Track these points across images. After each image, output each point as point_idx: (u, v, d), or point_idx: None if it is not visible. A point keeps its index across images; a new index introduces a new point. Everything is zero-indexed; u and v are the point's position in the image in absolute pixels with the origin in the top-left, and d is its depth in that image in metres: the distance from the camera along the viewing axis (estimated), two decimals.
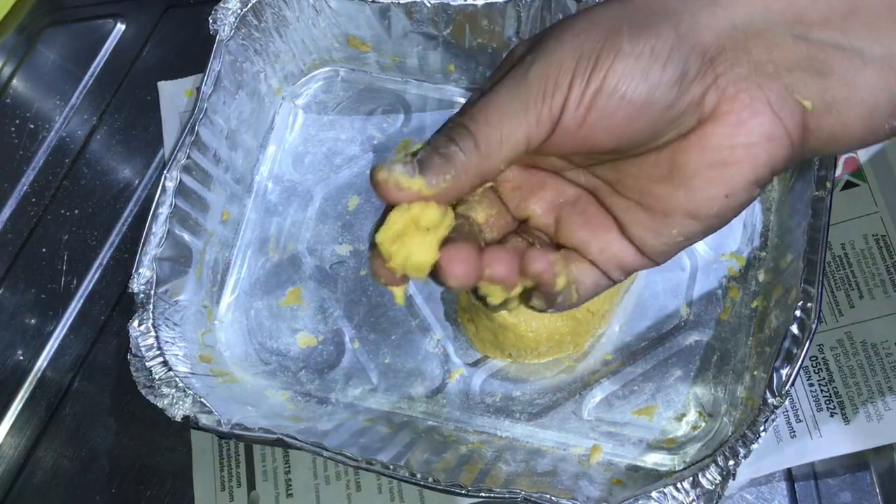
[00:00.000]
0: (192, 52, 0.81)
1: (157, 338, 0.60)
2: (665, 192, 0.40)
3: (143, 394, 0.58)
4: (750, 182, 0.39)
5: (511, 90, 0.38)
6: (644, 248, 0.43)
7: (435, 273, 0.40)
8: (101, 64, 0.82)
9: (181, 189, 0.63)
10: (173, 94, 0.77)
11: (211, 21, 0.66)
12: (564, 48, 0.38)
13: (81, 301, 0.74)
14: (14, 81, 0.83)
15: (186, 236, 0.64)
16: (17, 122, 0.81)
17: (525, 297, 0.43)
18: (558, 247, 0.45)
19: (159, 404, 0.58)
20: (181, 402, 0.58)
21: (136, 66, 0.82)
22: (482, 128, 0.38)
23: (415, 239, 0.39)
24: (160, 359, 0.59)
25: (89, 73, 0.82)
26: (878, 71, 0.37)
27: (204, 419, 0.57)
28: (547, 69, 0.38)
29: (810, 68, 0.38)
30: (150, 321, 0.60)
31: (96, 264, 0.75)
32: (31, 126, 0.80)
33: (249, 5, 0.67)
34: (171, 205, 0.62)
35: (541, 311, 0.44)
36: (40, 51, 0.84)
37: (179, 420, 0.57)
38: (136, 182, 0.77)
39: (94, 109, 0.81)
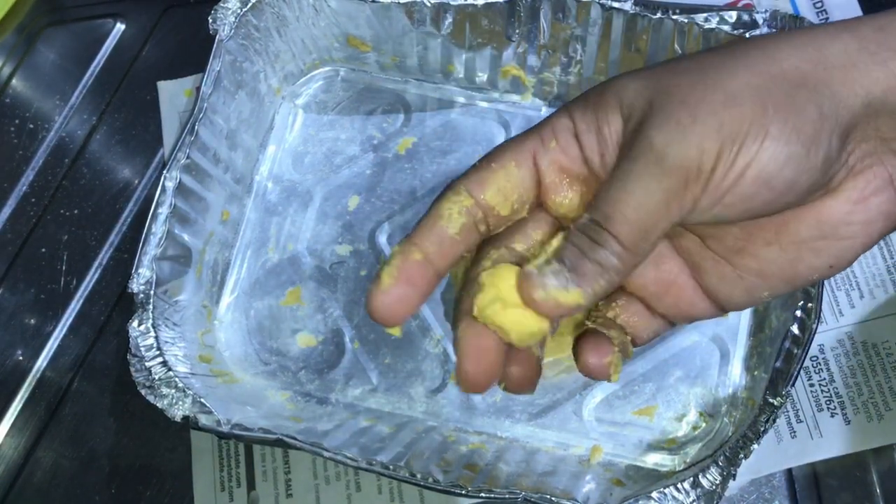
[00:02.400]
0: (191, 51, 0.81)
1: (156, 338, 0.60)
2: (767, 256, 0.39)
3: (143, 394, 0.58)
4: (858, 254, 0.39)
5: (649, 184, 0.35)
6: (725, 303, 0.42)
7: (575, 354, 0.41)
8: (101, 64, 0.82)
9: (181, 189, 0.63)
10: (173, 94, 0.77)
11: (210, 21, 0.66)
12: (704, 129, 0.35)
13: (81, 301, 0.74)
14: (13, 81, 0.83)
15: (186, 236, 0.64)
16: (17, 121, 0.81)
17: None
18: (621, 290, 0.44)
19: (159, 404, 0.58)
20: (181, 403, 0.57)
21: (135, 65, 0.82)
22: (624, 228, 0.36)
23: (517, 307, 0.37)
24: (160, 359, 0.59)
25: (89, 73, 0.82)
26: None
27: (204, 419, 0.57)
28: (687, 154, 0.35)
29: None
30: (150, 321, 0.60)
31: (96, 264, 0.75)
32: (31, 126, 0.80)
33: (249, 5, 0.67)
34: (170, 205, 0.62)
35: None
36: (40, 50, 0.84)
37: (179, 420, 0.57)
38: (136, 182, 0.77)
39: (94, 109, 0.81)
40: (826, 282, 0.64)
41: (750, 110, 0.35)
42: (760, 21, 0.61)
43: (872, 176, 0.37)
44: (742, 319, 0.64)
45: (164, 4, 0.84)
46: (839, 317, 0.64)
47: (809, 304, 0.55)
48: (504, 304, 0.38)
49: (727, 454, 0.53)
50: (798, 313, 0.55)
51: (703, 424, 0.62)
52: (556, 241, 0.38)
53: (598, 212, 0.37)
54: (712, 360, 0.63)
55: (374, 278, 0.39)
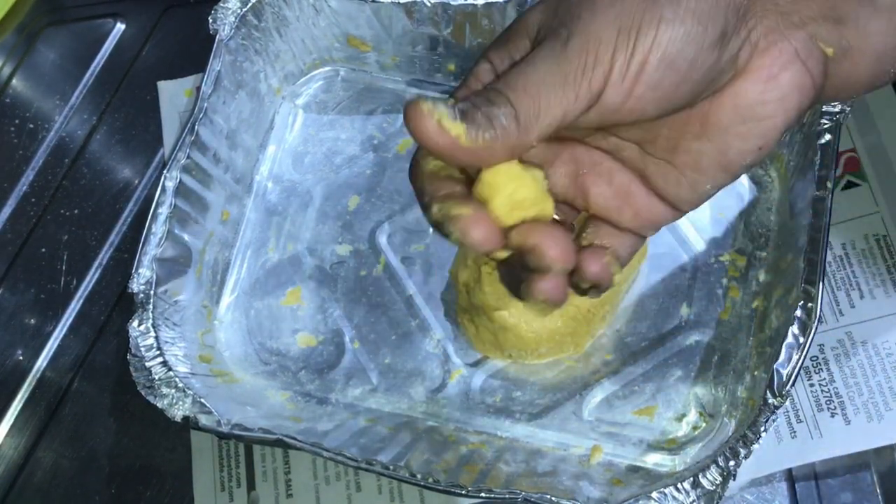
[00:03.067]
0: (191, 51, 0.81)
1: (156, 338, 0.60)
2: (698, 148, 0.41)
3: (143, 394, 0.58)
4: (781, 131, 0.40)
5: (549, 64, 0.37)
6: (677, 202, 0.43)
7: (528, 251, 0.39)
8: (101, 64, 0.82)
9: (181, 189, 0.63)
10: (173, 94, 0.77)
11: (211, 21, 0.66)
12: (600, 20, 0.37)
13: (81, 301, 0.74)
14: (14, 81, 0.83)
15: (186, 236, 0.64)
16: (17, 121, 0.81)
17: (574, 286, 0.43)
18: (589, 217, 0.45)
19: (159, 404, 0.58)
20: (181, 403, 0.57)
21: (135, 65, 0.82)
22: (521, 97, 0.37)
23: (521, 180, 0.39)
24: (160, 359, 0.59)
25: (89, 73, 0.82)
26: (887, 19, 0.39)
27: (204, 419, 0.57)
28: (585, 43, 0.37)
29: (830, 17, 0.39)
30: (150, 321, 0.60)
31: (96, 264, 0.75)
32: (31, 126, 0.80)
33: (249, 5, 0.67)
34: (170, 205, 0.62)
35: (591, 297, 0.45)
36: (40, 50, 0.84)
37: (179, 420, 0.57)
38: (136, 182, 0.77)
39: (94, 109, 0.81)
40: (826, 281, 0.64)
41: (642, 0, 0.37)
42: None
43: (778, 52, 0.38)
44: (742, 319, 0.64)
45: (164, 4, 0.84)
46: (839, 317, 0.64)
47: (809, 304, 0.55)
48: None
49: (727, 454, 0.53)
50: (798, 313, 0.55)
51: (703, 424, 0.62)
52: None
53: (501, 80, 0.38)
54: (712, 360, 0.63)
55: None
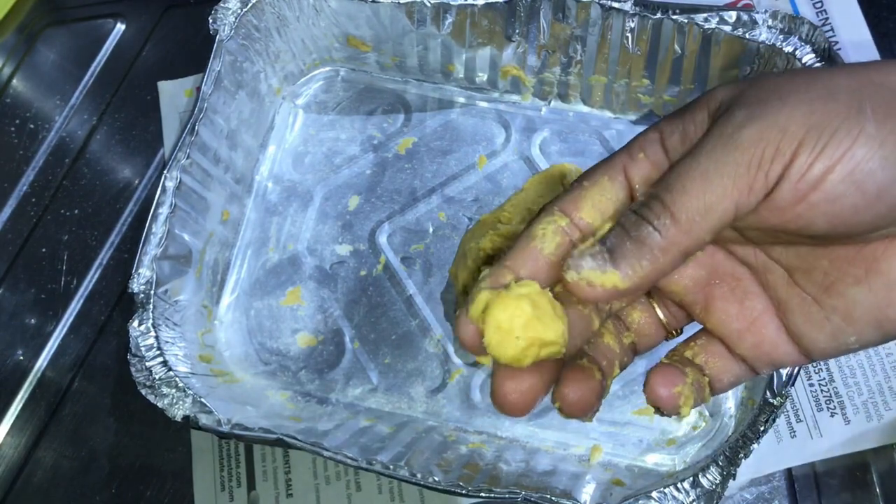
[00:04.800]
0: (191, 51, 0.81)
1: (157, 338, 0.60)
2: (856, 295, 0.36)
3: (143, 394, 0.58)
4: None
5: (717, 152, 0.33)
6: (810, 347, 0.38)
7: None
8: (101, 64, 0.82)
9: (181, 189, 0.63)
10: (173, 94, 0.77)
11: (211, 21, 0.66)
12: (792, 112, 0.33)
13: (81, 301, 0.74)
14: (14, 81, 0.83)
15: (186, 236, 0.64)
16: (17, 121, 0.81)
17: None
18: (700, 329, 0.41)
19: (159, 404, 0.58)
20: (181, 402, 0.57)
21: (135, 65, 0.82)
22: (679, 198, 0.33)
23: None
24: (160, 359, 0.59)
25: (89, 73, 0.82)
26: None
27: (204, 419, 0.57)
28: (767, 131, 0.32)
29: None
30: (150, 321, 0.60)
31: (96, 264, 0.75)
32: (31, 126, 0.80)
33: (249, 5, 0.67)
34: (171, 205, 0.62)
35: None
36: (40, 50, 0.84)
37: (179, 420, 0.57)
38: (136, 182, 0.77)
39: (94, 109, 0.81)
40: None
41: (845, 106, 0.32)
42: (760, 21, 0.61)
43: None
44: None
45: (165, 4, 0.84)
46: None
47: None
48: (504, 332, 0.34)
49: (727, 454, 0.53)
50: None
51: (703, 424, 0.62)
52: (606, 227, 0.36)
53: (660, 183, 0.34)
54: None
55: (459, 307, 0.36)
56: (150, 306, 0.60)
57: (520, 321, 0.33)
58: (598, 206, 0.36)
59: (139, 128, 0.79)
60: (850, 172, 0.32)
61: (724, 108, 0.35)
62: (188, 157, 0.63)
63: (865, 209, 0.32)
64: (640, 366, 0.64)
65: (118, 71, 0.82)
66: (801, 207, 0.33)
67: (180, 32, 0.83)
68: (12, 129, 0.80)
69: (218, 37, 0.66)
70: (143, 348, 0.59)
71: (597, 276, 0.33)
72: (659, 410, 0.39)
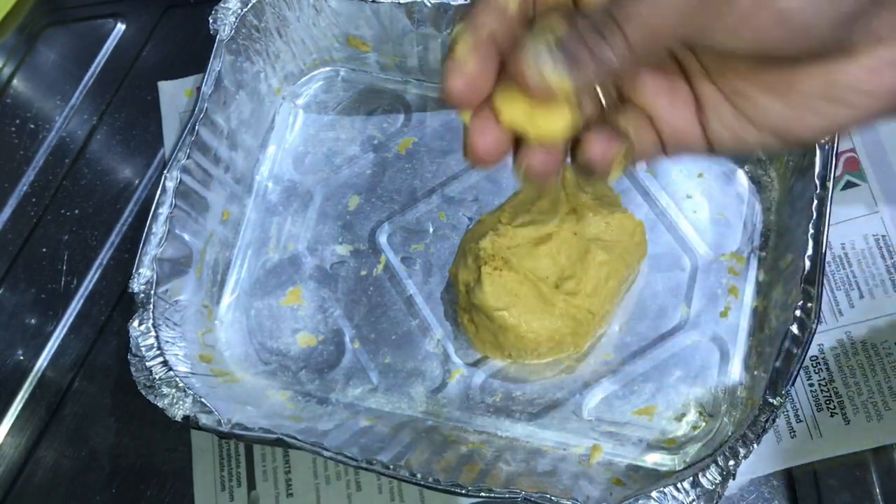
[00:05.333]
0: (191, 51, 0.81)
1: (157, 338, 0.60)
2: (767, 104, 0.39)
3: (144, 394, 0.58)
4: (856, 126, 0.38)
5: None
6: (714, 140, 0.42)
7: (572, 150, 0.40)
8: (102, 64, 0.82)
9: (181, 189, 0.63)
10: (173, 94, 0.77)
11: (211, 21, 0.66)
12: None
13: (81, 301, 0.74)
14: (14, 81, 0.83)
15: (187, 236, 0.64)
16: (18, 121, 0.81)
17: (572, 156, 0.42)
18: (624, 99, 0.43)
19: (159, 404, 0.58)
20: (181, 402, 0.58)
21: (136, 65, 0.82)
22: (636, 27, 0.35)
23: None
24: (160, 359, 0.59)
25: (89, 73, 0.82)
26: None
27: (204, 419, 0.57)
28: None
29: None
30: (151, 321, 0.60)
31: (96, 264, 0.75)
32: (32, 126, 0.81)
33: (250, 5, 0.67)
34: (171, 205, 0.62)
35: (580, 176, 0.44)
36: (40, 51, 0.84)
37: (179, 420, 0.57)
38: (137, 182, 0.77)
39: (94, 109, 0.81)
40: (826, 282, 0.64)
41: None
42: None
43: (891, 51, 0.36)
44: (742, 319, 0.64)
45: (165, 4, 0.84)
46: (839, 316, 0.64)
47: (809, 304, 0.56)
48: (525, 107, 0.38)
49: (727, 454, 0.53)
50: (798, 313, 0.56)
51: (703, 424, 0.62)
52: (561, 25, 0.36)
53: (619, 5, 0.35)
54: (712, 359, 0.63)
55: (446, 59, 0.39)
56: (151, 306, 0.60)
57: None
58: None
59: (139, 128, 0.79)
60: (780, 8, 0.33)
61: None
62: (188, 157, 0.63)
63: (787, 44, 0.35)
64: (639, 366, 0.64)
65: (118, 71, 0.82)
66: (730, 38, 0.35)
67: (180, 32, 0.83)
68: (13, 129, 0.81)
69: (218, 37, 0.66)
70: (143, 348, 0.59)
71: (551, 75, 0.35)
72: (587, 171, 0.42)
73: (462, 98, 0.39)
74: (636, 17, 0.35)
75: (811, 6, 0.33)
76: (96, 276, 0.75)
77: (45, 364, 0.72)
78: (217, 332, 0.68)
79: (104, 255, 0.75)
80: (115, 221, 0.76)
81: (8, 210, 0.77)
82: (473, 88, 0.38)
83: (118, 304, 0.74)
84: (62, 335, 0.73)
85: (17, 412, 0.71)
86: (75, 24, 0.85)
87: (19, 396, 0.71)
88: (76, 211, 0.77)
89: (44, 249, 0.76)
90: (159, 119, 0.78)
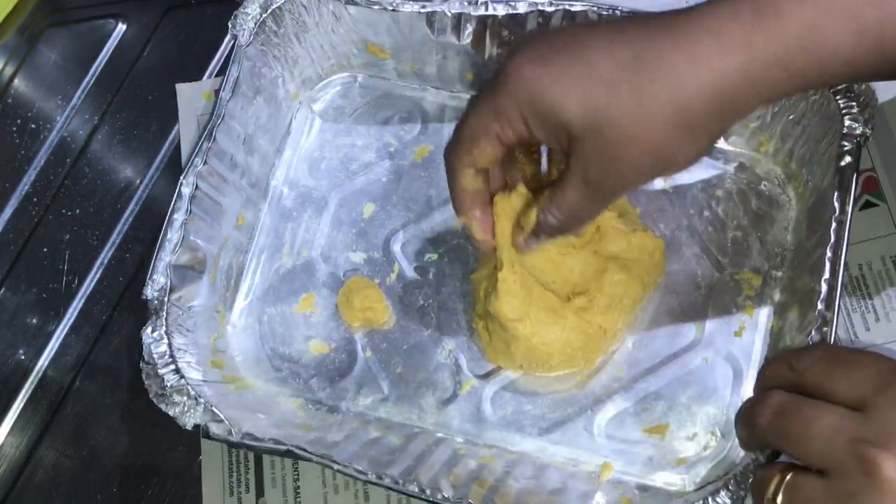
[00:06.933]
0: (193, 52, 0.81)
1: (169, 345, 0.60)
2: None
3: (155, 402, 0.58)
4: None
5: (580, 188, 0.51)
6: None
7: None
8: (103, 64, 0.82)
9: (197, 195, 0.63)
10: (191, 97, 0.77)
11: (230, 26, 0.66)
12: (630, 153, 0.49)
13: (83, 301, 0.74)
14: (15, 81, 0.83)
15: (201, 242, 0.64)
16: (19, 122, 0.80)
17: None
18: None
19: (171, 412, 0.58)
20: (192, 411, 0.58)
21: (137, 66, 0.82)
22: (564, 215, 0.54)
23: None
24: (172, 366, 0.59)
25: (90, 74, 0.82)
26: None
27: (214, 428, 0.57)
28: (611, 171, 0.50)
29: None
30: (164, 328, 0.60)
31: (97, 264, 0.75)
32: (33, 126, 0.80)
33: (269, 11, 0.66)
34: (186, 210, 0.62)
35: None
36: (42, 51, 0.83)
37: (190, 429, 0.57)
38: (138, 182, 0.77)
39: (96, 109, 0.80)
40: (841, 304, 0.63)
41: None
42: None
43: None
44: (757, 339, 0.64)
45: (166, 5, 0.83)
46: (854, 339, 0.64)
47: (825, 328, 0.55)
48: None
49: (737, 477, 0.53)
50: (813, 335, 0.55)
51: (714, 444, 0.62)
52: (532, 218, 0.56)
53: (552, 206, 0.53)
54: (725, 379, 0.63)
55: (475, 239, 0.59)
56: (164, 313, 0.60)
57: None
58: (490, 160, 0.54)
59: (140, 128, 0.79)
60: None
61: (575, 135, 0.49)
62: (205, 163, 0.63)
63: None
64: (651, 384, 0.64)
65: (119, 71, 0.82)
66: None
67: (182, 33, 0.82)
68: (14, 129, 0.80)
69: (237, 42, 0.66)
70: (155, 355, 0.59)
71: (539, 247, 0.58)
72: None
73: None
74: (563, 207, 0.53)
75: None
76: (97, 275, 0.75)
77: (47, 364, 0.72)
78: (229, 338, 0.67)
79: (105, 255, 0.75)
80: (116, 221, 0.76)
81: (9, 210, 0.77)
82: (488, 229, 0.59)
83: (119, 303, 0.73)
84: (63, 335, 0.73)
85: (18, 412, 0.71)
86: (76, 25, 0.85)
87: (20, 396, 0.71)
88: (77, 211, 0.77)
89: (45, 249, 0.76)
90: (160, 119, 0.79)
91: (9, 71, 0.83)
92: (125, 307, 0.73)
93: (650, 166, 0.49)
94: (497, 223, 0.58)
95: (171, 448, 0.68)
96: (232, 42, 0.66)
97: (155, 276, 0.61)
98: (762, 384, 0.47)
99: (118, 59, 0.82)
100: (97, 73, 0.82)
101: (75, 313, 0.73)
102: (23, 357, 0.72)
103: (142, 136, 0.79)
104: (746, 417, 0.46)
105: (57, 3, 0.86)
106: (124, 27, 0.83)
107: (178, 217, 0.62)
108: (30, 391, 0.71)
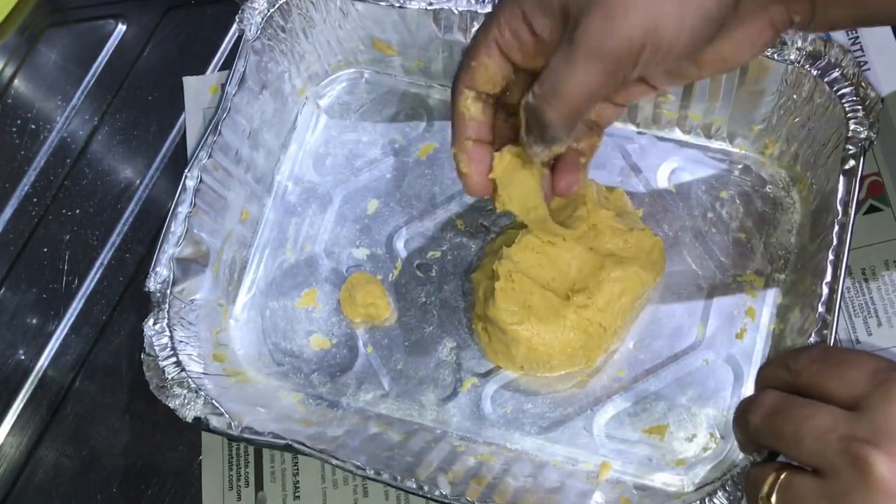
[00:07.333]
0: (193, 52, 0.81)
1: (171, 337, 0.60)
2: (688, 73, 0.51)
3: (156, 394, 0.58)
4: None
5: (581, 62, 0.44)
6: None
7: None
8: (103, 64, 0.82)
9: (201, 188, 0.63)
10: (198, 90, 0.77)
11: (238, 21, 0.66)
12: (630, 23, 0.43)
13: (83, 301, 0.74)
14: (15, 82, 0.83)
15: (205, 235, 0.64)
16: (19, 122, 0.81)
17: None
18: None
19: (171, 405, 0.58)
20: (193, 404, 0.58)
21: (137, 66, 0.82)
22: (564, 107, 0.46)
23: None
24: (173, 359, 0.59)
25: (90, 74, 0.82)
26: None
27: (214, 421, 0.57)
28: (618, 44, 0.44)
29: None
30: (166, 321, 0.60)
31: (97, 264, 0.75)
32: (33, 126, 0.80)
33: (277, 6, 0.67)
34: (191, 203, 0.62)
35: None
36: (42, 51, 0.84)
37: (191, 421, 0.57)
38: (138, 182, 0.77)
39: (96, 110, 0.81)
40: (843, 308, 0.64)
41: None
42: (789, 42, 0.61)
43: (759, 24, 0.47)
44: (758, 341, 0.64)
45: (166, 5, 0.84)
46: (855, 344, 0.64)
47: (825, 331, 0.55)
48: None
49: (735, 479, 0.53)
50: (814, 339, 0.55)
51: (714, 445, 0.62)
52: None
53: (543, 90, 0.46)
54: (725, 381, 0.63)
55: (458, 172, 0.53)
56: (167, 305, 0.60)
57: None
58: (490, 79, 0.50)
59: (140, 128, 0.79)
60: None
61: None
62: (210, 157, 0.63)
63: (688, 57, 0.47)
64: (651, 385, 0.64)
65: (119, 71, 0.82)
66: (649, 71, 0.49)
67: (181, 33, 0.83)
68: (14, 129, 0.81)
69: (244, 37, 0.66)
70: (156, 347, 0.59)
71: (543, 151, 0.49)
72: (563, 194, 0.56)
73: (479, 191, 0.54)
74: (564, 94, 0.45)
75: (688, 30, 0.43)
76: (97, 275, 0.75)
77: (47, 364, 0.72)
78: (231, 331, 0.67)
79: (105, 255, 0.75)
80: (116, 221, 0.76)
81: (9, 210, 0.77)
82: (483, 183, 0.53)
83: (119, 303, 0.74)
84: (63, 335, 0.73)
85: (18, 412, 0.71)
86: (76, 25, 0.85)
87: (20, 396, 0.71)
88: (77, 211, 0.77)
89: (45, 249, 0.76)
90: (160, 119, 0.79)
91: (9, 71, 0.83)
92: (125, 307, 0.73)
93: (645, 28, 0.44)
94: (497, 166, 0.53)
95: (171, 448, 0.68)
96: (238, 36, 0.66)
97: (158, 269, 0.61)
98: (759, 384, 0.47)
99: (118, 59, 0.82)
100: (97, 73, 0.82)
101: (75, 313, 0.73)
102: (23, 357, 0.72)
103: (142, 137, 0.79)
104: (741, 418, 0.46)
105: (57, 3, 0.86)
106: (124, 27, 0.84)
107: (182, 210, 0.62)
108: (30, 391, 0.71)
